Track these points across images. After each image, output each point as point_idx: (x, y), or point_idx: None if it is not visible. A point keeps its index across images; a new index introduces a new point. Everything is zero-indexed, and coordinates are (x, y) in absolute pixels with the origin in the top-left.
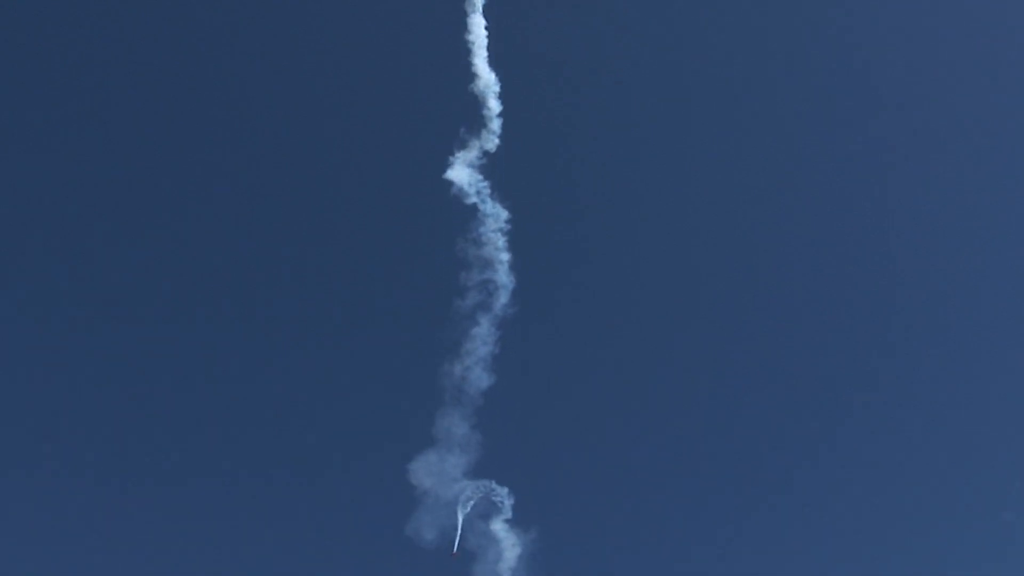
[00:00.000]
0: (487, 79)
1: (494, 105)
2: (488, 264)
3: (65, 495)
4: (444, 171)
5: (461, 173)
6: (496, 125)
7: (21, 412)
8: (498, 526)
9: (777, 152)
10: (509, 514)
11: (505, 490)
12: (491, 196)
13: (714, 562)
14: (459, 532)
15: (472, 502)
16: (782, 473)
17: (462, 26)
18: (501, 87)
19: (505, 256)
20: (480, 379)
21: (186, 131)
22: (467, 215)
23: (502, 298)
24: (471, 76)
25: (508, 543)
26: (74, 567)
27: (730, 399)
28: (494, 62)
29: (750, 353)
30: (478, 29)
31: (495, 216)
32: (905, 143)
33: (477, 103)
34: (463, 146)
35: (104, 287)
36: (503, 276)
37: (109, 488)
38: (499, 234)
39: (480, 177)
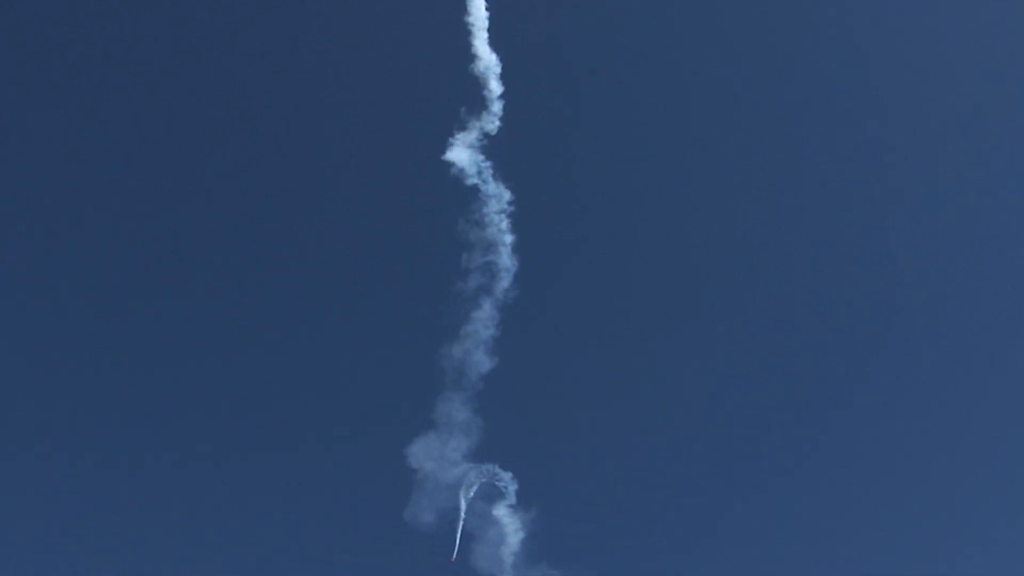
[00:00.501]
0: (488, 60)
1: (495, 87)
2: (491, 246)
3: (47, 468)
4: (444, 152)
5: (462, 154)
6: (497, 107)
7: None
8: (502, 511)
9: (777, 136)
10: (513, 499)
11: (509, 475)
12: (494, 177)
13: (718, 549)
14: (462, 518)
15: (475, 487)
16: (781, 456)
17: (462, 7)
18: (502, 68)
19: (508, 238)
20: (482, 362)
21: (183, 117)
22: (469, 196)
23: (504, 281)
24: (471, 57)
25: (512, 528)
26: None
27: (732, 383)
28: (494, 43)
29: (751, 336)
30: (478, 10)
31: (498, 197)
32: (905, 143)
33: (478, 85)
34: (463, 127)
35: (90, 257)
36: (506, 258)
37: (112, 462)
38: (502, 215)
39: (482, 158)
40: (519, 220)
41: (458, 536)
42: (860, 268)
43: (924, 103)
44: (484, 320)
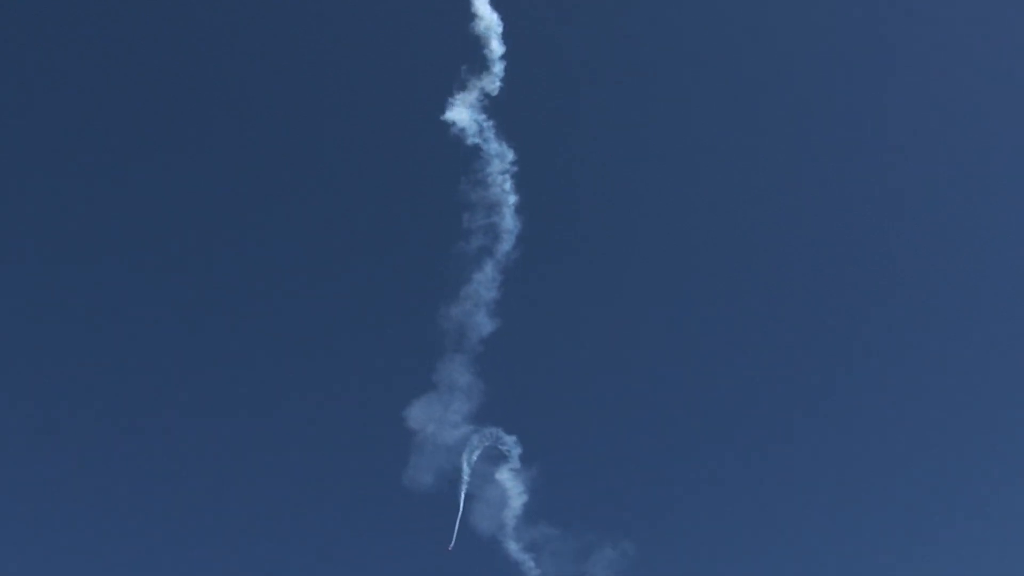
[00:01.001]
0: (489, 20)
1: (496, 47)
2: (494, 206)
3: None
4: (444, 112)
5: (462, 114)
6: (499, 68)
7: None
8: (504, 475)
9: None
10: (517, 464)
11: (513, 438)
12: (496, 136)
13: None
14: (464, 487)
15: (478, 452)
16: (782, 417)
17: None
18: (504, 28)
19: (511, 198)
20: (483, 325)
21: (179, 85)
22: (471, 156)
23: (506, 243)
24: (471, 17)
25: (515, 491)
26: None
27: (734, 346)
28: (496, 2)
29: (754, 299)
30: None
31: (501, 156)
32: (905, 143)
33: (479, 44)
34: (464, 87)
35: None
36: (508, 219)
37: (112, 422)
38: (505, 176)
39: (484, 117)
40: (522, 180)
41: (458, 516)
42: (859, 252)
43: (924, 103)
44: (486, 282)
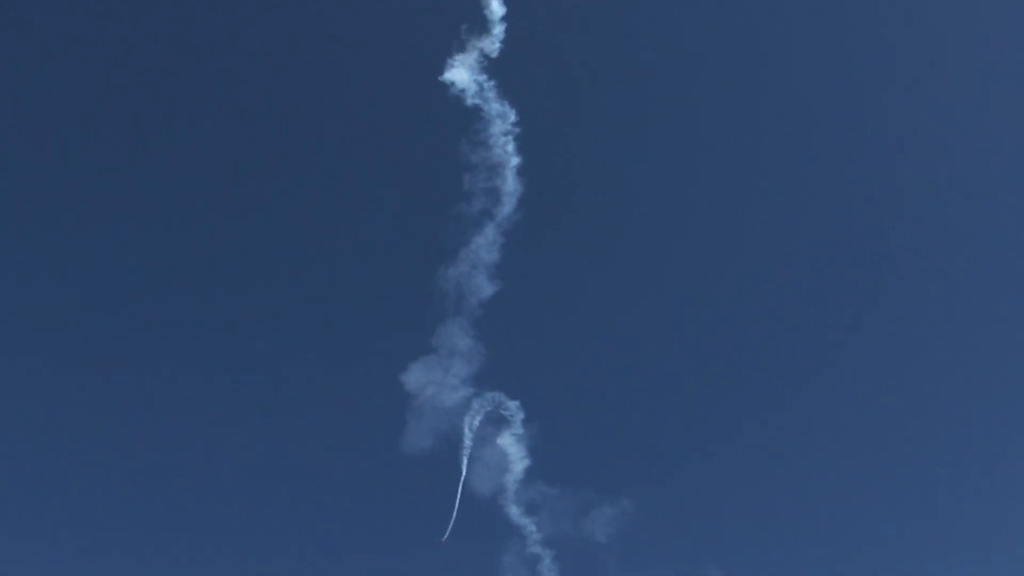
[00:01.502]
0: None
1: (496, 7)
2: (495, 168)
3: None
4: (443, 73)
5: (461, 74)
6: (499, 29)
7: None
8: (506, 439)
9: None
10: (520, 429)
11: (515, 403)
12: (498, 96)
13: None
14: (467, 450)
15: (479, 417)
16: (779, 382)
17: None
18: None
19: (514, 160)
20: (483, 288)
21: (179, 63)
22: (471, 117)
23: (507, 205)
24: None
25: (517, 456)
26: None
27: (735, 310)
28: None
29: (757, 262)
30: None
31: (503, 117)
32: (905, 143)
33: (479, 5)
34: (463, 49)
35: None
36: (510, 182)
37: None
38: (507, 137)
39: (485, 77)
40: (525, 142)
41: (461, 481)
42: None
43: (924, 103)
44: (486, 244)
